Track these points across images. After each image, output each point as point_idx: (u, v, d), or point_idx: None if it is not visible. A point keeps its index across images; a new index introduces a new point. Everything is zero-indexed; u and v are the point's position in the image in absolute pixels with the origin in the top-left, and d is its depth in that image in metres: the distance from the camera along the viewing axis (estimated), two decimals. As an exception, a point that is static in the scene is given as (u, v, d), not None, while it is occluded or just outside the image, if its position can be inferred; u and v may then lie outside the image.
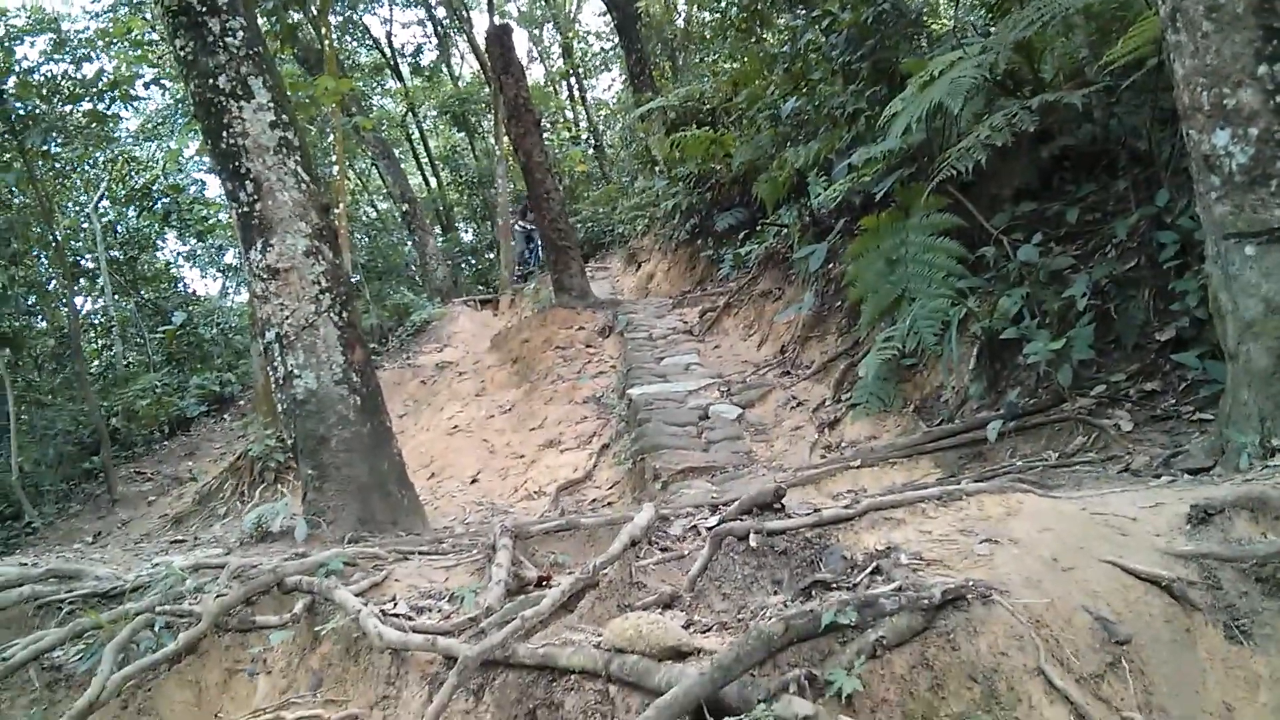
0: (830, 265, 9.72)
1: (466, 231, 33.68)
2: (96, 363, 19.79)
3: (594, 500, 8.52)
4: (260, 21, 13.45)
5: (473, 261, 30.49)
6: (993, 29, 8.25)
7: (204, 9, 6.80)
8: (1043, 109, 6.56)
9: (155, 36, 16.79)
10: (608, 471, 9.11)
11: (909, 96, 7.25)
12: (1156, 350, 5.79)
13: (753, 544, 3.79)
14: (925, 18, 10.80)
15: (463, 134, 32.51)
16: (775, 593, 3.55)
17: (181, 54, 6.91)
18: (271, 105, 6.94)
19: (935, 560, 3.34)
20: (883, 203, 8.07)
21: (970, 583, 3.02)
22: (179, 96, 20.13)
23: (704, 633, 3.36)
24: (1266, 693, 3.04)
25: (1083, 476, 4.87)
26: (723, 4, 15.52)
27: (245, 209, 6.89)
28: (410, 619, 4.19)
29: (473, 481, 10.38)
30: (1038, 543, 3.37)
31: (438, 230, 29.82)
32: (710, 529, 4.12)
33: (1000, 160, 7.18)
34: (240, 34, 6.90)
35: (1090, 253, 6.55)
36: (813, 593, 3.37)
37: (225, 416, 17.62)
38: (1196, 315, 5.44)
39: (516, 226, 21.52)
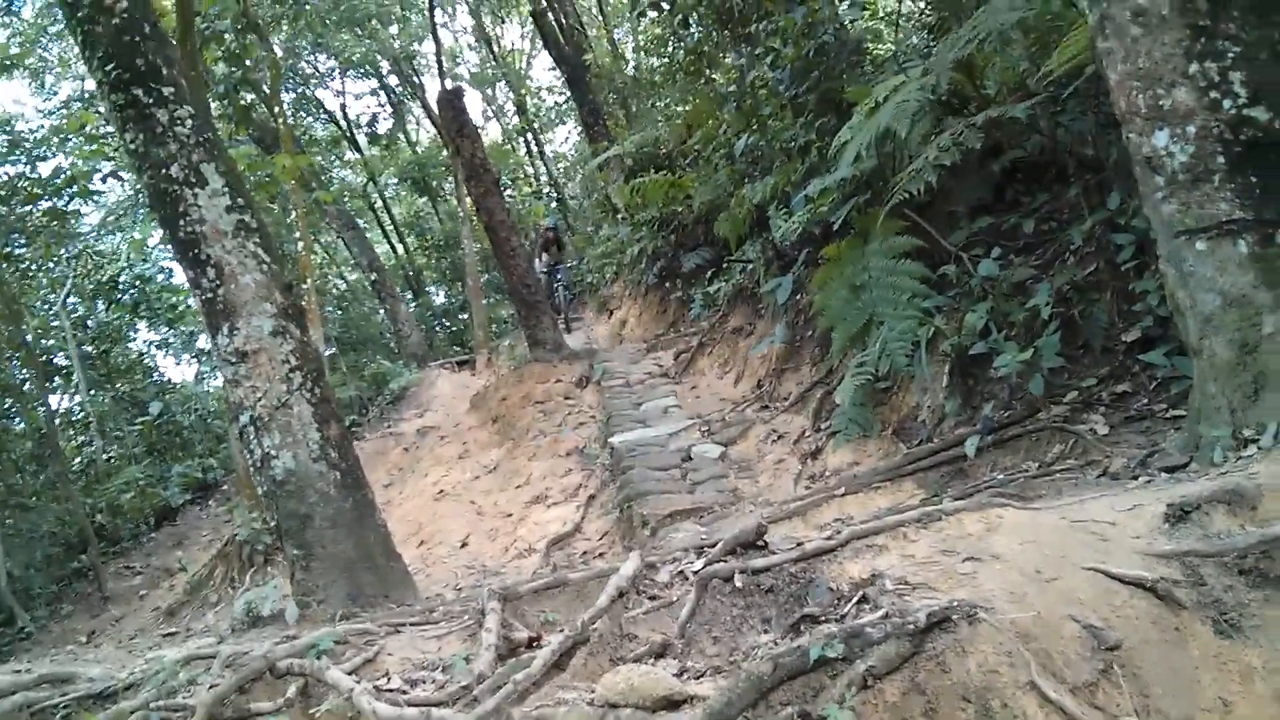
0: (798, 296, 9.77)
1: (437, 294, 33.73)
2: (77, 460, 19.55)
3: (585, 553, 8.48)
4: (213, 104, 13.61)
5: (446, 324, 30.51)
6: (934, 50, 8.36)
7: (150, 100, 6.81)
8: (988, 124, 6.65)
9: (110, 130, 16.82)
10: (596, 522, 9.08)
11: (856, 124, 7.34)
12: (1124, 352, 5.83)
13: (738, 584, 3.78)
14: (867, 44, 10.94)
15: (425, 198, 32.65)
16: (765, 631, 3.55)
17: (132, 147, 6.91)
18: (226, 190, 6.94)
19: (920, 583, 3.34)
20: (842, 231, 8.12)
21: (955, 603, 3.02)
22: (138, 187, 20.14)
23: (697, 679, 3.35)
24: (1261, 683, 3.04)
25: (1062, 485, 4.89)
26: (669, 48, 15.69)
27: (209, 295, 6.87)
28: (404, 692, 4.15)
29: (462, 545, 10.31)
30: (1020, 556, 3.37)
31: (409, 295, 29.91)
32: (696, 573, 4.11)
33: (952, 179, 7.26)
34: (189, 122, 6.91)
35: (1050, 261, 6.62)
36: (801, 627, 3.36)
37: (210, 503, 17.49)
38: (1159, 313, 5.49)
39: (540, 268, 19.49)
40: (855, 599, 3.35)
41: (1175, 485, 3.99)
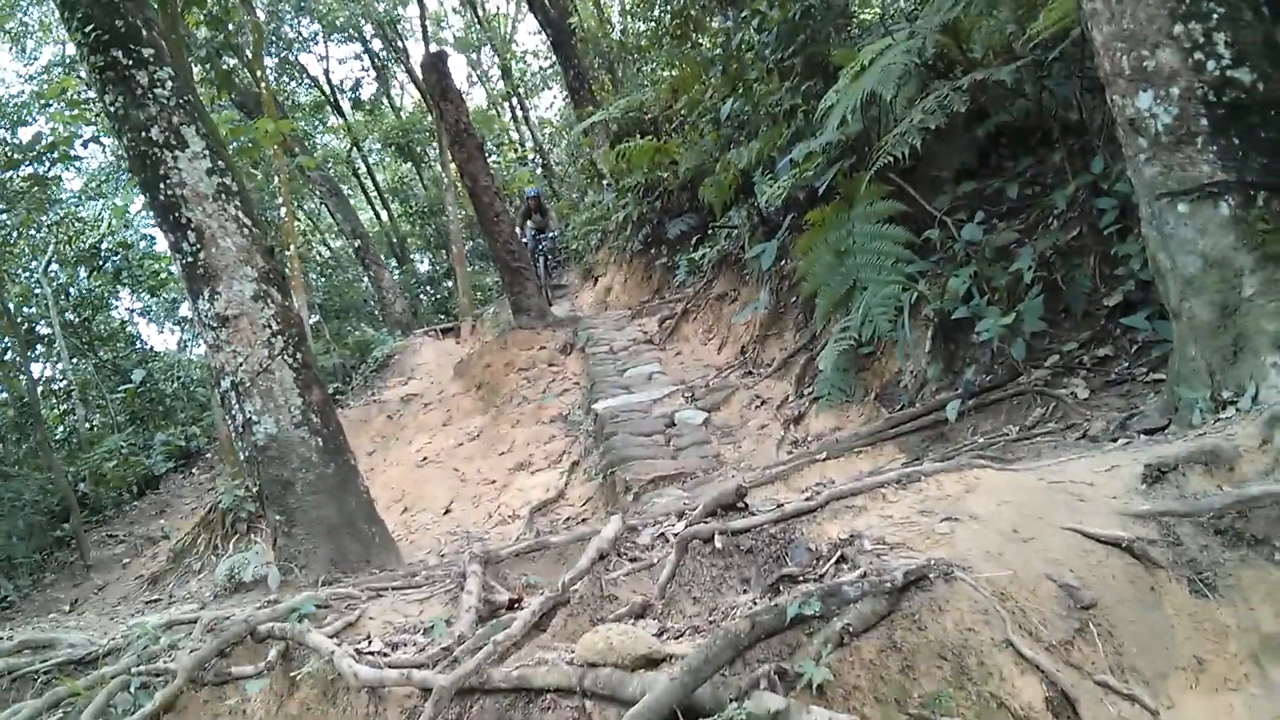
0: (782, 262, 9.75)
1: (422, 261, 33.62)
2: (60, 428, 19.49)
3: (568, 518, 8.50)
4: (195, 69, 13.48)
5: (431, 291, 30.40)
6: (920, 13, 8.32)
7: (130, 62, 6.75)
8: (973, 88, 6.62)
9: (92, 94, 16.65)
10: (580, 488, 9.09)
11: (842, 88, 7.30)
12: (1106, 316, 5.85)
13: (718, 545, 3.79)
14: (854, 8, 10.89)
15: (409, 164, 32.45)
16: (744, 591, 3.55)
17: (112, 109, 6.86)
18: (207, 152, 6.89)
19: (898, 543, 3.34)
20: (827, 196, 8.10)
21: (932, 562, 3.03)
22: (119, 153, 19.94)
23: (677, 638, 3.36)
24: (1235, 643, 3.07)
25: (1042, 447, 4.91)
26: (655, 12, 15.58)
27: (189, 259, 6.83)
28: (385, 655, 4.16)
29: (446, 512, 10.32)
30: (997, 516, 3.39)
31: (393, 263, 29.80)
32: (677, 535, 4.11)
33: (937, 143, 7.23)
34: (169, 84, 6.85)
35: (1033, 226, 6.62)
36: (780, 587, 3.37)
37: (193, 471, 17.44)
38: (1141, 278, 5.50)
39: (524, 235, 18.14)
40: (833, 559, 3.36)
41: (1153, 446, 4.01)
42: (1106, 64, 4.43)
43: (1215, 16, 4.04)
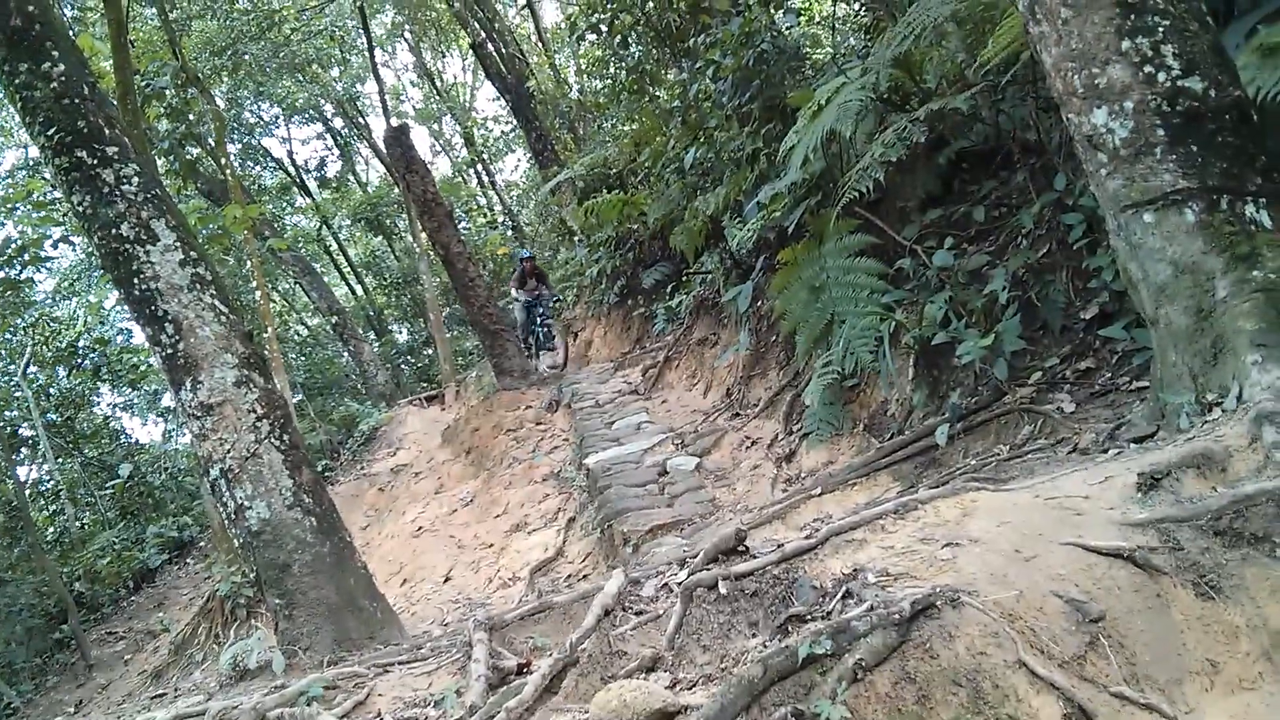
0: (759, 303, 9.81)
1: (401, 332, 33.68)
2: (51, 530, 19.37)
3: (569, 576, 8.46)
4: (159, 161, 13.56)
5: (412, 360, 30.44)
6: (871, 49, 8.44)
7: (95, 161, 6.77)
8: (931, 118, 6.72)
9: (58, 195, 16.68)
10: (578, 545, 9.06)
11: (801, 128, 7.39)
12: (1084, 329, 5.89)
13: (723, 591, 3.78)
14: (806, 50, 11.03)
15: (380, 237, 32.61)
16: (753, 635, 3.54)
17: (80, 209, 6.86)
18: (178, 244, 6.90)
19: (902, 573, 3.34)
20: (797, 234, 8.17)
21: (938, 589, 3.03)
22: (90, 251, 19.98)
23: (690, 689, 3.33)
24: (1246, 641, 3.08)
25: (1034, 464, 4.93)
26: (611, 69, 15.75)
27: (169, 351, 6.83)
28: (398, 731, 4.13)
29: (446, 580, 10.26)
30: (997, 537, 3.40)
31: (371, 335, 29.84)
32: (680, 584, 4.10)
33: (900, 174, 7.33)
34: (135, 180, 6.87)
35: (1003, 247, 6.68)
36: (789, 628, 3.36)
37: (188, 561, 17.33)
38: (1115, 288, 5.55)
39: (516, 297, 16.69)
40: (839, 594, 3.35)
41: (1145, 454, 4.03)
42: (1058, 84, 4.51)
43: (1162, 29, 4.12)
